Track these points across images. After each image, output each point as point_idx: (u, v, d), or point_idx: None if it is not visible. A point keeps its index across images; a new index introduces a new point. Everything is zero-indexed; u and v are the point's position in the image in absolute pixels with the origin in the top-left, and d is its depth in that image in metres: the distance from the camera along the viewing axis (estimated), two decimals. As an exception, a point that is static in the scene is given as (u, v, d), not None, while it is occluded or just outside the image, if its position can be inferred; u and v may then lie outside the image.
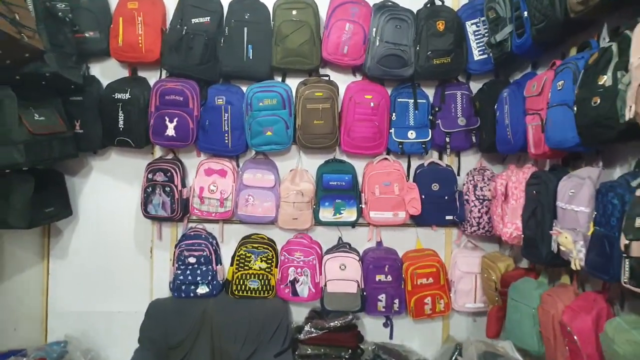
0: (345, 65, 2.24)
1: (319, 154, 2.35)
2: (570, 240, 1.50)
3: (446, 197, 2.26)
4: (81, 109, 2.19)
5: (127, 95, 2.16)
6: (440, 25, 2.14)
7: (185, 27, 2.11)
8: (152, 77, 2.29)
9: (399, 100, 2.24)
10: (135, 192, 2.36)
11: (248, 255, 2.25)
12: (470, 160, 2.41)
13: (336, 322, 2.22)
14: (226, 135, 2.19)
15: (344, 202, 2.23)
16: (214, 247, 2.31)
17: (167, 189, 2.23)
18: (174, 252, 2.29)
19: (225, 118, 2.18)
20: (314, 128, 2.14)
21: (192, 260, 2.26)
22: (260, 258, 2.25)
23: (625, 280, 1.23)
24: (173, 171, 2.24)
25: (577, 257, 1.49)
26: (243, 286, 2.24)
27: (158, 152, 2.39)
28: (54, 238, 2.42)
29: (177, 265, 2.28)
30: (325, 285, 2.21)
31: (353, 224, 2.30)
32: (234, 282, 2.24)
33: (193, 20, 2.13)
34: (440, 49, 2.14)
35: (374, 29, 2.13)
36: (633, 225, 1.19)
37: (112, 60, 2.26)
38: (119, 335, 2.40)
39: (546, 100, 1.67)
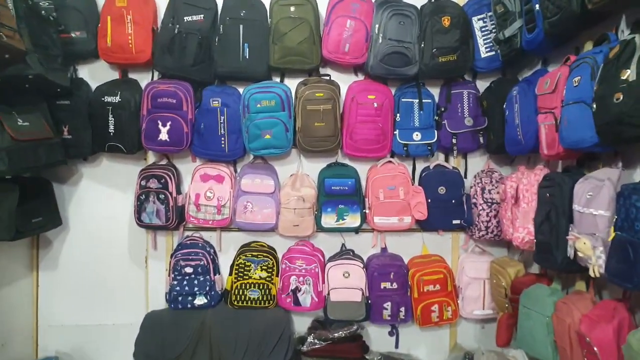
0: (346, 64, 2.15)
1: (320, 158, 2.27)
2: (589, 246, 1.42)
3: (453, 201, 2.18)
4: (69, 113, 2.09)
5: (118, 99, 2.06)
6: (446, 21, 2.05)
7: (178, 26, 2.02)
8: (143, 79, 2.19)
9: (403, 100, 2.16)
10: (128, 200, 2.26)
11: (247, 264, 2.17)
12: (477, 162, 2.33)
13: (340, 332, 2.14)
14: (222, 139, 2.10)
15: (347, 208, 2.14)
16: (211, 256, 2.23)
17: (161, 196, 2.13)
18: (170, 262, 2.20)
19: (222, 121, 2.08)
20: (314, 130, 2.06)
21: (188, 270, 2.17)
22: (260, 267, 2.17)
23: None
24: (167, 177, 2.14)
25: (596, 263, 1.41)
26: (243, 296, 2.16)
27: (151, 158, 2.29)
28: (43, 249, 2.32)
29: (173, 275, 2.19)
30: (329, 294, 2.13)
31: (357, 230, 2.21)
32: (233, 292, 2.16)
33: (186, 18, 2.03)
34: (446, 46, 2.05)
35: (377, 26, 2.05)
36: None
37: (101, 61, 2.16)
38: (113, 350, 2.32)
39: (560, 98, 1.59)
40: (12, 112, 1.77)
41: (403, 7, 2.05)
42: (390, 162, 2.21)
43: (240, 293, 2.16)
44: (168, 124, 2.05)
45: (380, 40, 2.04)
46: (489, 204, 2.16)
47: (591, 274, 1.42)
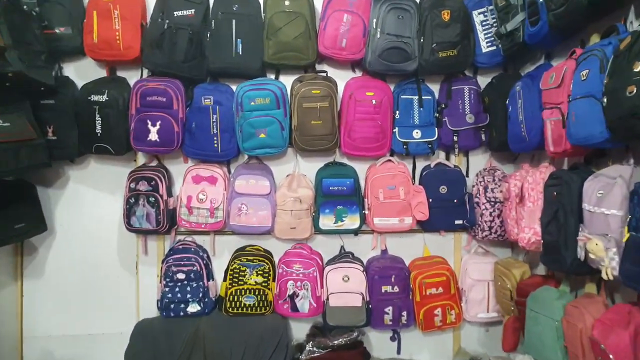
0: (343, 60, 2.09)
1: (317, 157, 2.20)
2: (602, 247, 1.35)
3: (455, 200, 2.12)
4: (54, 113, 2.00)
5: (105, 97, 1.97)
6: (446, 15, 1.99)
7: (168, 21, 1.94)
8: (132, 77, 2.11)
9: (402, 97, 2.10)
10: (117, 204, 2.17)
11: (242, 268, 2.09)
12: (479, 160, 2.28)
13: (340, 339, 2.06)
14: (215, 138, 2.02)
15: (346, 209, 2.08)
16: (204, 261, 2.14)
17: (152, 199, 2.04)
18: (162, 268, 2.11)
19: (214, 120, 2.00)
20: (311, 129, 1.99)
21: (181, 276, 2.09)
22: (256, 272, 2.09)
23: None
24: (157, 179, 2.05)
25: (609, 265, 1.34)
26: (238, 303, 2.08)
27: (141, 159, 2.21)
28: (28, 256, 2.22)
29: (165, 282, 2.11)
30: (327, 299, 2.07)
31: (356, 232, 2.15)
32: (227, 298, 2.09)
33: (176, 12, 1.96)
34: (446, 41, 2.00)
35: (375, 20, 1.99)
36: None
37: (88, 59, 2.08)
38: (103, 360, 2.21)
39: (567, 93, 1.53)
40: (-9, 111, 1.68)
41: (402, 0, 1.99)
42: (389, 161, 2.15)
43: (235, 299, 2.08)
44: (158, 123, 1.97)
45: (378, 35, 1.98)
46: (492, 203, 2.10)
47: (604, 276, 1.35)
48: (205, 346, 2.03)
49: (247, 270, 2.09)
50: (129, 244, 2.22)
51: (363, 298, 2.06)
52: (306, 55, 2.01)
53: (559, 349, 1.62)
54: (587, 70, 1.40)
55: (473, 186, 2.18)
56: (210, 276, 2.17)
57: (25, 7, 1.82)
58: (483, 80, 2.19)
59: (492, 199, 2.11)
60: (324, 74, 2.10)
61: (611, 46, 1.34)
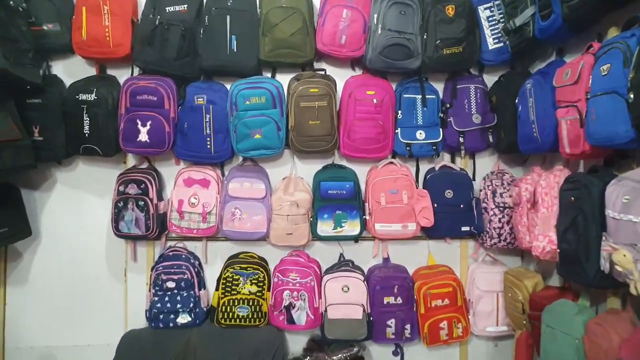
0: (343, 58, 2.00)
1: (315, 159, 2.11)
2: (630, 259, 1.22)
3: (462, 206, 2.02)
4: (41, 112, 1.93)
5: (93, 96, 1.90)
6: (450, 10, 1.90)
7: (159, 17, 1.87)
8: (123, 75, 2.03)
9: (405, 96, 2.01)
10: (106, 207, 2.08)
11: (235, 277, 1.99)
12: (485, 163, 2.17)
13: (339, 354, 1.94)
14: (208, 139, 1.94)
15: (345, 214, 1.98)
16: (196, 269, 2.04)
17: (141, 202, 1.95)
18: (151, 276, 2.00)
19: (207, 120, 1.92)
20: (309, 129, 1.91)
21: (170, 284, 1.98)
22: (250, 280, 1.99)
23: None
24: (147, 182, 1.96)
25: (639, 279, 1.21)
26: (230, 314, 1.98)
27: (131, 161, 2.12)
28: (12, 262, 2.13)
29: (154, 290, 2.01)
30: (326, 310, 1.96)
31: (356, 239, 2.05)
32: (220, 309, 1.99)
33: (168, 8, 1.89)
34: (451, 37, 1.91)
35: (375, 16, 1.90)
36: None
37: (77, 57, 2.01)
38: (88, 374, 2.11)
39: (585, 90, 1.42)
40: (-30, 109, 1.60)
41: (404, -5, 1.90)
42: (391, 163, 2.05)
43: (228, 310, 1.98)
44: (148, 123, 1.88)
45: (379, 31, 1.89)
46: (501, 208, 1.99)
47: (632, 291, 1.22)
48: (196, 359, 1.91)
49: (241, 279, 1.99)
50: (117, 250, 2.13)
51: (364, 310, 1.95)
52: (304, 53, 1.93)
53: (579, 369, 1.47)
54: (609, 65, 1.30)
55: (480, 190, 2.08)
56: (201, 285, 2.06)
57: (11, 2, 1.75)
58: (489, 79, 2.10)
59: (501, 204, 1.99)
60: (323, 72, 2.02)
61: (635, 38, 1.24)
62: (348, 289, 1.95)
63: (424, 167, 2.12)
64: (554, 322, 1.61)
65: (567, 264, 1.52)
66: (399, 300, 1.97)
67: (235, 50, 1.90)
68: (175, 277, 1.98)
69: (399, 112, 2.00)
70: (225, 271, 2.01)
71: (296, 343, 2.12)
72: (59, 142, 1.94)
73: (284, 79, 2.01)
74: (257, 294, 1.99)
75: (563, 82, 1.54)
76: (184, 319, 1.99)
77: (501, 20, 1.95)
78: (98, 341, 2.13)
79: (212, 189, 1.99)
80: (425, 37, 1.91)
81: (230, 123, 1.93)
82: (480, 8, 1.98)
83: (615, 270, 1.28)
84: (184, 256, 2.04)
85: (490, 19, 1.98)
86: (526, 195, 1.80)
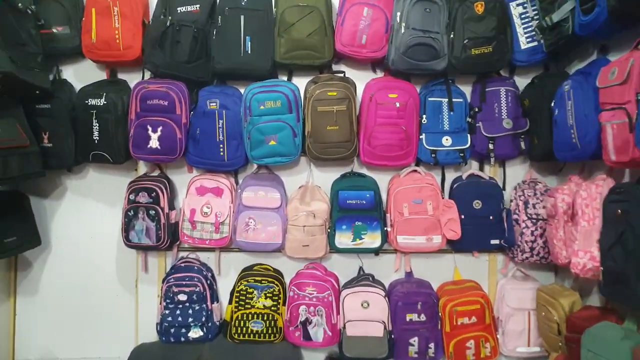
0: (363, 59, 1.89)
1: (333, 167, 2.02)
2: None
3: (491, 217, 1.89)
4: (49, 119, 1.87)
5: (102, 101, 1.83)
6: (479, 7, 1.78)
7: (170, 18, 1.80)
8: (134, 79, 1.96)
9: (430, 99, 1.89)
10: (117, 216, 2.01)
11: (250, 290, 1.91)
12: (515, 171, 2.03)
13: (359, 375, 1.81)
14: (221, 146, 1.86)
15: (365, 225, 1.87)
16: (208, 281, 1.96)
17: (152, 212, 1.88)
18: (162, 288, 1.93)
19: (220, 125, 1.84)
20: (326, 135, 1.81)
21: (182, 297, 1.91)
22: (265, 294, 1.91)
23: None
24: (158, 190, 1.89)
25: (700, 304, 1.06)
26: (244, 328, 1.91)
27: (143, 169, 2.06)
28: (22, 272, 2.09)
29: (165, 303, 1.94)
30: (344, 327, 1.86)
31: (377, 251, 1.95)
32: (233, 323, 1.91)
33: (179, 9, 1.82)
34: (480, 36, 1.79)
35: (398, 14, 1.80)
36: None
37: (87, 61, 1.95)
38: (98, 388, 2.06)
39: (635, 90, 1.28)
40: (-24, 116, 1.55)
41: (429, -9, 1.79)
42: (415, 171, 1.94)
43: (242, 325, 1.90)
44: (159, 129, 1.81)
45: (402, 31, 1.79)
46: (534, 220, 1.85)
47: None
48: (207, 377, 1.84)
49: (255, 292, 1.91)
50: (128, 260, 2.07)
51: (385, 327, 1.85)
52: (321, 54, 1.84)
53: (627, 401, 1.33)
54: (663, 62, 1.15)
55: (511, 201, 1.94)
56: (214, 298, 1.98)
57: (19, 4, 1.69)
58: (520, 82, 1.96)
59: (534, 216, 1.85)
60: (342, 74, 1.92)
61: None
62: (368, 304, 1.85)
63: (450, 176, 2.00)
64: (596, 347, 1.46)
65: (613, 283, 1.39)
66: (423, 317, 1.86)
67: (249, 52, 1.82)
68: (187, 289, 1.91)
69: (424, 116, 1.89)
70: (239, 284, 1.93)
71: (313, 361, 2.03)
72: (68, 149, 1.89)
73: (301, 82, 1.92)
74: (272, 308, 1.91)
75: (608, 82, 1.40)
76: (195, 333, 1.92)
77: (535, 17, 1.82)
78: (108, 354, 2.08)
79: (226, 197, 1.91)
80: (452, 36, 1.81)
81: (244, 129, 1.85)
82: (512, 4, 1.85)
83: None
84: (196, 268, 1.96)
85: (522, 16, 1.84)
86: (563, 206, 1.67)
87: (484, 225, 1.88)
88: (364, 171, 2.03)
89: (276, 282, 1.93)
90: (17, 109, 1.76)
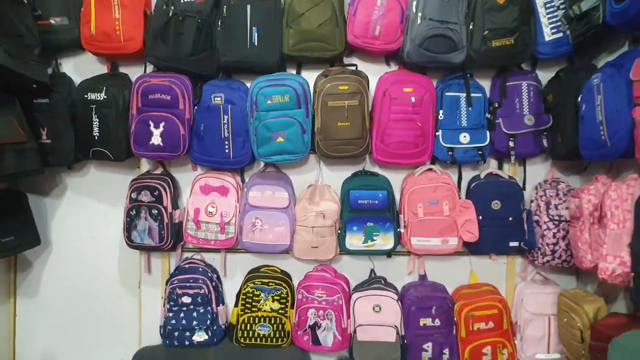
0: (377, 51, 1.80)
1: (344, 165, 1.94)
2: None
3: (510, 218, 1.80)
4: (48, 114, 1.80)
5: (102, 95, 1.76)
6: (501, -4, 1.66)
7: (173, 8, 1.71)
8: (135, 73, 1.88)
9: (447, 94, 1.80)
10: (119, 216, 1.93)
11: (256, 292, 1.85)
12: (536, 170, 1.93)
13: (371, 382, 1.74)
14: (226, 143, 1.78)
15: (378, 226, 1.80)
16: (213, 283, 1.89)
17: (154, 211, 1.81)
18: (165, 290, 1.87)
19: (225, 121, 1.76)
20: (337, 131, 1.73)
21: (186, 299, 1.85)
22: (272, 297, 1.84)
23: None
24: (161, 189, 1.82)
25: None
26: (251, 332, 1.85)
27: (145, 166, 1.99)
28: (22, 272, 2.04)
29: (168, 305, 1.87)
30: (355, 331, 1.80)
31: (389, 253, 1.88)
32: (239, 326, 1.85)
33: (183, -2, 1.71)
34: (501, 27, 1.69)
35: (414, 3, 1.70)
36: None
37: (88, 54, 1.87)
38: (100, 392, 2.02)
39: (676, 84, 1.17)
40: (-31, 111, 1.47)
41: (447, -21, 1.69)
42: (431, 170, 1.85)
43: (248, 328, 1.85)
44: (161, 125, 1.74)
45: (418, 21, 1.69)
46: (556, 222, 1.76)
47: None
48: (212, 382, 1.78)
49: (262, 294, 1.85)
50: (131, 261, 2.01)
51: (397, 332, 1.78)
52: (332, 46, 1.75)
53: (659, 417, 1.25)
54: None
55: (531, 201, 1.86)
56: (220, 300, 1.92)
57: (15, -7, 1.61)
58: (543, 75, 1.85)
59: (556, 217, 1.76)
60: (353, 68, 1.83)
61: None
62: (380, 308, 1.78)
63: (467, 175, 1.91)
64: (625, 358, 1.39)
65: (646, 292, 1.30)
66: (437, 322, 1.79)
67: (256, 43, 1.73)
68: (192, 291, 1.84)
69: (440, 112, 1.80)
70: (246, 286, 1.86)
71: (322, 366, 1.96)
72: (68, 145, 1.82)
73: (310, 75, 1.83)
74: (280, 311, 1.85)
75: (644, 77, 1.30)
76: (200, 336, 1.86)
77: (561, 7, 1.71)
78: (110, 357, 2.04)
79: (231, 197, 1.83)
80: (471, 27, 1.70)
81: (250, 125, 1.77)
82: (536, -7, 1.74)
83: None
84: (201, 269, 1.90)
85: (547, 5, 1.74)
86: (589, 207, 1.58)
87: (503, 227, 1.80)
88: (377, 170, 1.95)
89: (284, 285, 1.86)
90: (14, 104, 1.69)
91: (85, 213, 2.02)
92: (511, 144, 1.79)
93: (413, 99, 1.73)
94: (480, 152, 1.79)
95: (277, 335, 1.84)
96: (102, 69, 1.93)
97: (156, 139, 1.74)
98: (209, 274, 1.90)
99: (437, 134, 1.80)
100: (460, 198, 1.83)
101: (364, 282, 1.93)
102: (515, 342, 1.86)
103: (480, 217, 1.78)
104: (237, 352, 1.85)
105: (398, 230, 1.81)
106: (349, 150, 1.75)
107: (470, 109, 1.78)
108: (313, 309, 1.80)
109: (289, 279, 1.94)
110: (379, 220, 1.79)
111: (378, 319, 1.78)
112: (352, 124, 1.72)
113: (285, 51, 1.75)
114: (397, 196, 1.88)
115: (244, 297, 1.85)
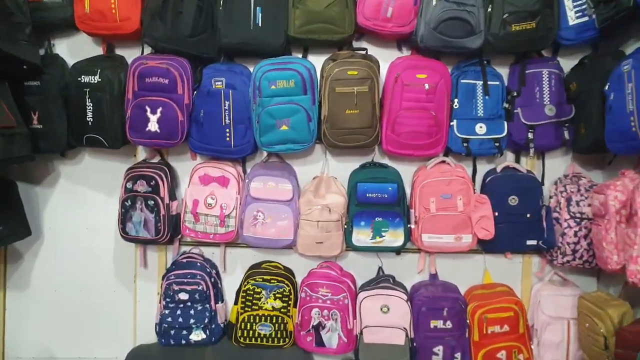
0: (388, 34, 1.71)
1: (352, 156, 1.87)
2: None
3: (528, 215, 1.71)
4: (40, 97, 1.73)
5: (97, 78, 1.68)
6: (523, -24, 1.57)
7: (172, -15, 1.61)
8: (132, 55, 1.78)
9: (462, 81, 1.71)
10: (114, 206, 1.86)
11: (257, 290, 1.77)
12: (556, 164, 1.84)
13: (377, 387, 1.66)
14: (227, 130, 1.70)
15: (387, 221, 1.72)
16: (212, 279, 1.82)
17: (151, 202, 1.73)
18: (162, 285, 1.79)
19: (226, 107, 1.68)
20: (345, 120, 1.65)
21: (183, 296, 1.77)
22: (274, 294, 1.77)
23: None
24: (158, 179, 1.74)
25: None
26: (251, 331, 1.78)
27: (142, 154, 1.91)
28: (12, 265, 1.97)
29: (164, 302, 1.80)
30: (361, 333, 1.73)
31: (398, 250, 1.81)
32: (239, 325, 1.78)
33: (183, -25, 1.63)
34: (522, 10, 1.61)
35: (430, -17, 1.60)
36: None
37: (82, 34, 1.79)
38: (92, 391, 1.96)
39: None
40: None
41: (465, -43, 1.60)
42: (444, 162, 1.77)
43: (248, 327, 1.78)
44: (158, 110, 1.65)
45: (434, 2, 1.61)
46: (578, 220, 1.68)
47: None
48: (209, 383, 1.71)
49: (263, 292, 1.77)
50: (126, 254, 1.93)
51: (406, 334, 1.71)
52: (341, 28, 1.66)
53: None
54: None
55: (551, 197, 1.77)
56: (218, 297, 1.84)
57: (4, -32, 1.52)
58: (565, 63, 1.76)
59: (578, 215, 1.67)
60: (364, 52, 1.74)
61: None
62: (388, 309, 1.70)
63: (482, 168, 1.82)
64: (655, 368, 1.29)
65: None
66: (449, 324, 1.70)
67: (260, 25, 1.65)
68: (189, 287, 1.76)
69: (455, 100, 1.71)
70: (246, 283, 1.78)
71: (325, 368, 1.88)
72: (60, 131, 1.75)
73: (317, 59, 1.75)
74: (282, 310, 1.77)
75: (684, 62, 1.19)
76: (197, 335, 1.78)
77: (587, -12, 1.61)
78: (103, 354, 1.97)
79: (232, 188, 1.76)
80: (489, 9, 1.62)
81: (253, 111, 1.68)
82: (561, -27, 1.64)
83: None
84: (199, 264, 1.82)
85: (572, -14, 1.63)
86: (615, 205, 1.48)
87: (520, 224, 1.71)
88: (386, 161, 1.87)
89: (286, 282, 1.78)
90: (3, 86, 1.61)
91: (78, 203, 1.95)
92: (530, 135, 1.69)
93: (427, 86, 1.64)
94: (497, 144, 1.70)
95: (279, 336, 1.77)
96: (98, 50, 1.85)
97: (153, 125, 1.65)
98: (208, 270, 1.82)
99: (451, 124, 1.72)
100: (475, 192, 1.74)
101: (371, 280, 1.85)
102: (532, 346, 1.77)
103: (496, 213, 1.70)
104: (236, 353, 1.78)
105: (408, 226, 1.73)
106: (358, 140, 1.67)
107: (487, 97, 1.69)
108: (317, 308, 1.73)
109: (292, 276, 1.86)
110: (388, 215, 1.71)
111: (386, 320, 1.70)
112: (361, 112, 1.63)
113: (290, 33, 1.67)
114: (408, 190, 1.81)
115: (244, 294, 1.78)
